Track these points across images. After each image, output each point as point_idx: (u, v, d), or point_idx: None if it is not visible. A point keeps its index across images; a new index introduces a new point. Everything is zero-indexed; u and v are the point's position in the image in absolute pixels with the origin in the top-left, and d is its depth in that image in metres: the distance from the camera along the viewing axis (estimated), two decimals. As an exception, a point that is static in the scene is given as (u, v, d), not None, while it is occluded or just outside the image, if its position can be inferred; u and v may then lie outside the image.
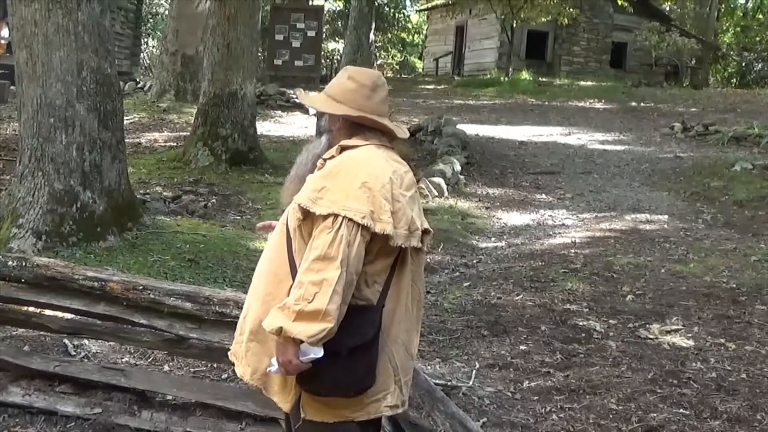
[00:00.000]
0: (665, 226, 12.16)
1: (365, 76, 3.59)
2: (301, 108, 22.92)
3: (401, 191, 3.30)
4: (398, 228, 3.23)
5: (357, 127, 3.51)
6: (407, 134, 3.70)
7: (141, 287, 4.87)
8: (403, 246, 3.28)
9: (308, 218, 3.23)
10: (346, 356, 3.18)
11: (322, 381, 3.22)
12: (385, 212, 3.19)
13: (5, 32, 21.81)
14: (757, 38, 45.80)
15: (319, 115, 3.66)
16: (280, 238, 3.41)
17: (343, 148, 3.42)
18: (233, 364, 3.60)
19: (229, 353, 3.61)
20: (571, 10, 35.95)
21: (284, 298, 3.18)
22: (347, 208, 3.13)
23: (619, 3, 37.22)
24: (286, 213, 3.43)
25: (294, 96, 23.41)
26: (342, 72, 3.66)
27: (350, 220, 3.11)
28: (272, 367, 3.20)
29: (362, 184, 3.20)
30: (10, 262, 5.20)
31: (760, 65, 41.29)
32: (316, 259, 3.07)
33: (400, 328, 3.42)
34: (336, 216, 3.11)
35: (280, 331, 3.04)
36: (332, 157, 3.40)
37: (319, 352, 3.09)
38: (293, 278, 3.23)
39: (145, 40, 40.80)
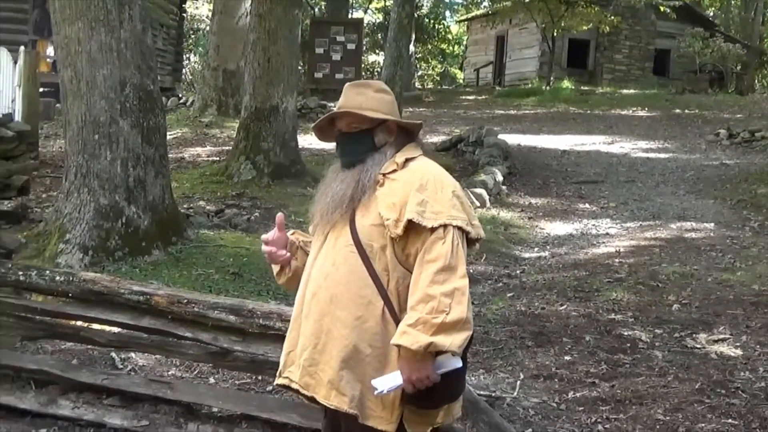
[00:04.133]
0: (711, 234, 12.04)
1: (388, 87, 3.65)
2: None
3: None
4: None
5: (407, 136, 3.55)
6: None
7: (185, 301, 4.92)
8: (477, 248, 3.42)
9: (405, 233, 3.24)
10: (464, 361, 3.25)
11: (441, 393, 3.24)
12: (474, 217, 3.33)
13: (50, 51, 22.11)
14: (804, 43, 45.31)
15: (358, 134, 3.50)
16: (350, 259, 3.33)
17: (407, 160, 3.43)
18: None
19: (293, 386, 3.46)
20: (613, 17, 35.74)
21: (378, 320, 3.23)
22: (453, 217, 3.20)
23: (662, 9, 36.92)
24: (345, 233, 3.36)
25: (334, 109, 23.45)
26: (359, 87, 3.59)
27: (459, 228, 3.20)
28: (384, 390, 3.16)
29: (452, 193, 3.29)
30: (57, 277, 5.30)
31: (805, 70, 40.80)
32: (439, 271, 3.10)
33: None
34: (446, 226, 3.17)
35: (428, 347, 3.03)
36: (395, 170, 3.39)
37: (458, 363, 3.12)
38: (383, 298, 3.25)
39: (187, 55, 41.09)
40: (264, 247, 3.76)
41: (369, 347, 3.23)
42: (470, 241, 3.32)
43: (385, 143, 3.49)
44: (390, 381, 3.15)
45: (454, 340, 3.03)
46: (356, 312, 3.27)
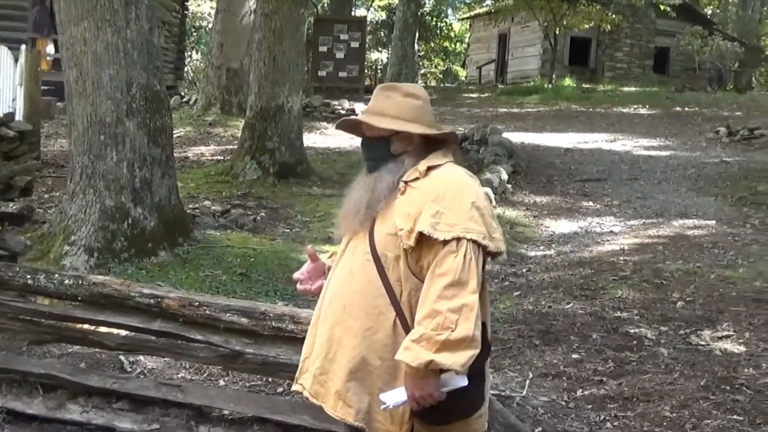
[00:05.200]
0: (713, 231, 12.05)
1: (421, 91, 3.52)
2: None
3: (492, 207, 3.28)
4: None
5: (430, 144, 3.44)
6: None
7: (197, 303, 4.93)
8: (500, 261, 3.29)
9: (417, 245, 3.16)
10: (470, 380, 3.13)
11: (451, 410, 3.17)
12: (495, 230, 3.21)
13: (50, 49, 22.11)
14: (802, 40, 45.37)
15: (375, 140, 3.48)
16: (366, 268, 3.30)
17: (429, 168, 3.33)
18: (298, 385, 3.55)
19: (305, 393, 3.49)
20: (614, 16, 35.81)
21: (388, 332, 3.18)
22: (469, 230, 3.10)
23: (662, 8, 36.98)
24: (364, 242, 3.34)
25: (339, 107, 23.50)
26: (386, 90, 3.52)
27: (474, 242, 3.09)
28: (390, 405, 3.12)
29: (472, 204, 3.17)
30: (66, 281, 5.29)
31: (804, 68, 40.86)
32: (449, 286, 3.02)
33: (486, 342, 3.42)
34: (459, 239, 3.08)
35: (428, 365, 2.96)
36: (416, 179, 3.31)
37: (464, 381, 3.04)
38: (395, 309, 3.20)
39: (189, 54, 41.06)
40: (299, 287, 3.81)
41: (378, 359, 3.20)
42: (492, 254, 3.24)
43: (403, 152, 3.42)
44: (397, 396, 3.10)
45: (457, 359, 2.96)
46: (367, 322, 3.24)
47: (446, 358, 2.94)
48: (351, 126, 3.64)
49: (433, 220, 3.12)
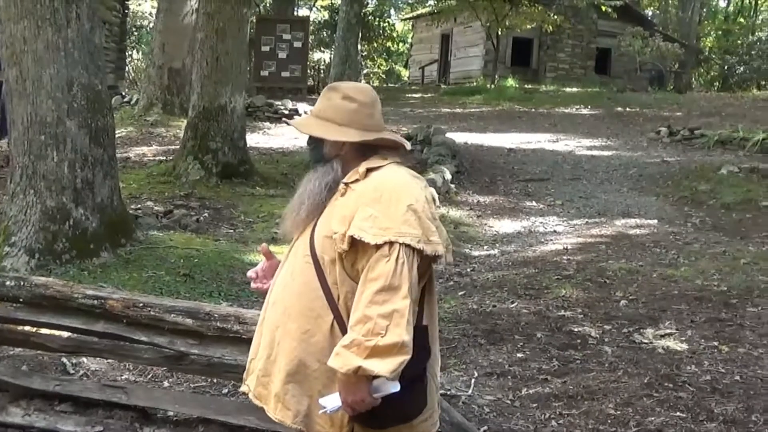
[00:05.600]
0: (655, 230, 12.21)
1: (362, 94, 3.43)
2: (290, 119, 22.86)
3: (433, 209, 3.24)
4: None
5: (367, 147, 3.37)
6: (409, 145, 3.65)
7: (141, 304, 4.87)
8: (443, 264, 3.24)
9: (352, 248, 3.09)
10: (408, 384, 3.07)
11: (387, 414, 3.12)
12: (432, 233, 3.11)
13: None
14: (739, 41, 46.08)
15: (314, 141, 3.47)
16: (305, 270, 3.27)
17: (368, 170, 3.26)
18: (246, 388, 3.51)
19: (250, 395, 3.47)
20: (556, 17, 36.08)
21: (325, 334, 3.14)
22: (402, 234, 3.01)
23: (603, 9, 37.33)
24: (304, 243, 3.32)
25: (282, 107, 23.43)
26: (329, 91, 3.47)
27: (407, 245, 3.01)
28: (328, 409, 3.08)
29: (407, 207, 3.08)
30: (8, 282, 5.18)
31: (741, 68, 41.44)
32: (379, 291, 2.94)
33: (436, 345, 3.41)
34: (392, 243, 3.00)
35: (356, 371, 2.90)
36: (356, 180, 3.25)
37: (396, 387, 2.99)
38: (333, 312, 3.16)
39: (130, 53, 40.72)
40: (252, 285, 3.73)
41: (317, 362, 3.15)
42: (432, 258, 3.17)
43: (335, 155, 3.38)
44: (334, 400, 3.07)
45: (386, 365, 2.89)
46: (305, 325, 3.20)
47: (375, 365, 2.89)
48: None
49: (365, 223, 3.06)
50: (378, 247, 3.00)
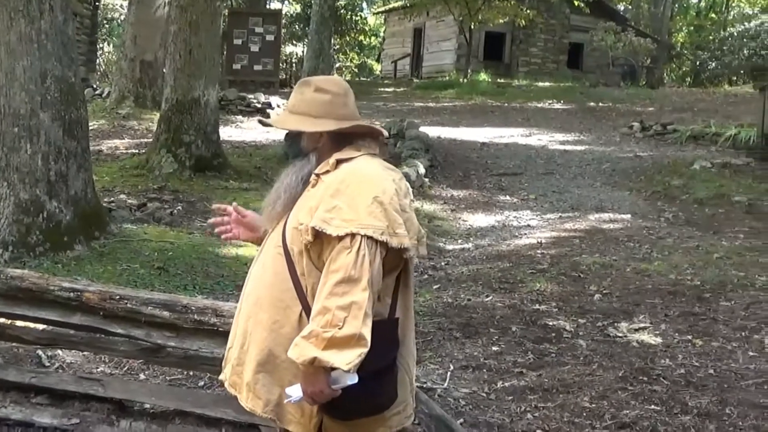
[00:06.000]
0: (628, 225, 12.28)
1: (334, 84, 3.46)
2: (262, 113, 22.87)
3: (405, 201, 3.22)
4: (410, 239, 3.16)
5: (343, 137, 3.37)
6: (386, 133, 3.63)
7: (118, 297, 4.85)
8: (414, 256, 3.22)
9: (317, 240, 3.09)
10: (374, 376, 3.07)
11: (351, 406, 3.10)
12: (399, 225, 3.09)
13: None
14: (710, 37, 46.24)
15: (291, 137, 3.49)
16: (276, 261, 3.27)
17: (338, 162, 3.27)
18: (223, 383, 3.51)
19: (225, 384, 3.47)
20: (528, 11, 36.16)
21: (294, 325, 3.13)
22: (364, 225, 3.00)
23: (576, 4, 37.42)
24: (277, 234, 3.33)
25: (255, 101, 23.38)
26: (301, 85, 3.48)
27: (369, 237, 3.00)
28: (292, 398, 3.08)
29: (373, 198, 3.06)
30: (-17, 275, 5.17)
31: (713, 64, 41.62)
32: (339, 282, 2.94)
33: (410, 338, 3.39)
34: (354, 235, 2.98)
35: (312, 362, 2.90)
36: (327, 172, 3.25)
37: (354, 378, 2.96)
38: (301, 302, 3.16)
39: (101, 46, 40.48)
40: (216, 229, 3.84)
41: (286, 352, 3.09)
42: (400, 251, 3.14)
43: (313, 148, 3.40)
44: (297, 390, 3.07)
45: (342, 357, 2.88)
46: (275, 316, 3.21)
47: (331, 356, 2.88)
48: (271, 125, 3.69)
49: (328, 215, 3.06)
50: (340, 238, 3.00)
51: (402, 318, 3.32)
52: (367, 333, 2.91)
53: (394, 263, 3.18)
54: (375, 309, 3.03)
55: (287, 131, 3.51)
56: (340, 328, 2.88)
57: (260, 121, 4.15)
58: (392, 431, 3.37)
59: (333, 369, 2.94)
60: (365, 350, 2.91)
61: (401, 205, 3.17)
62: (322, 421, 3.22)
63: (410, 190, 3.39)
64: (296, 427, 3.25)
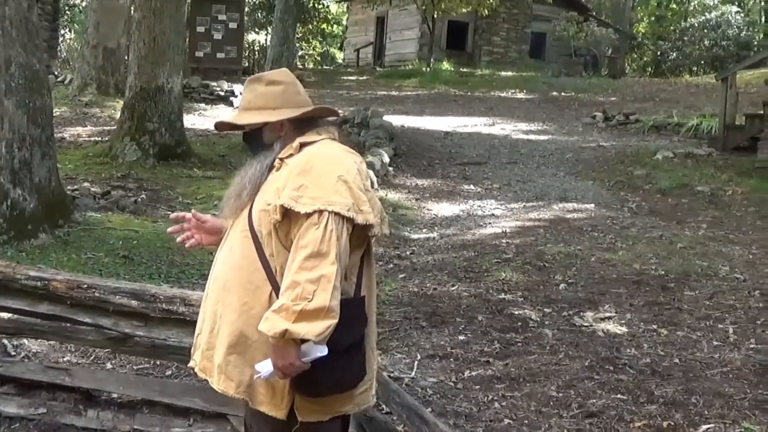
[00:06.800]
0: (592, 214, 12.35)
1: (284, 75, 3.57)
2: (225, 101, 22.79)
3: (367, 182, 3.30)
4: (374, 217, 3.23)
5: (304, 123, 3.47)
6: (340, 112, 3.66)
7: (86, 286, 4.82)
8: (377, 234, 3.29)
9: (285, 219, 3.16)
10: (343, 353, 3.16)
11: (323, 382, 3.17)
12: (363, 203, 3.17)
13: None
14: (671, 27, 46.57)
15: (251, 135, 3.55)
16: (244, 244, 3.32)
17: (302, 145, 3.36)
18: (193, 370, 3.53)
19: (194, 369, 3.49)
20: (491, 1, 36.17)
21: (264, 306, 3.15)
22: (331, 202, 3.08)
23: (538, -7, 37.54)
24: (243, 220, 3.37)
25: (218, 88, 23.29)
26: (252, 83, 3.58)
27: (336, 214, 3.07)
28: (262, 374, 3.13)
29: (338, 177, 3.15)
30: (-53, 263, 5.11)
31: (674, 54, 41.93)
32: (308, 257, 3.00)
33: (373, 317, 3.46)
34: (321, 212, 3.05)
35: (284, 334, 2.95)
36: (290, 155, 3.34)
37: (323, 350, 3.04)
38: (271, 283, 3.20)
39: (63, 32, 40.11)
40: (178, 239, 3.81)
41: (257, 332, 3.16)
42: (364, 228, 3.21)
43: (276, 139, 3.47)
44: (266, 365, 3.12)
45: (312, 329, 2.95)
46: (244, 297, 3.25)
47: (301, 328, 2.94)
48: (229, 126, 3.68)
49: (295, 193, 3.13)
50: (308, 215, 3.07)
51: (367, 296, 3.39)
52: (336, 306, 2.99)
53: (359, 241, 3.25)
54: (342, 287, 3.10)
55: (244, 132, 3.57)
56: (309, 301, 2.95)
57: (217, 125, 4.00)
58: (359, 408, 3.48)
59: (303, 341, 3.00)
60: (334, 322, 2.99)
61: (365, 185, 3.26)
62: (293, 401, 3.26)
63: (370, 173, 3.45)
64: (268, 408, 3.28)
